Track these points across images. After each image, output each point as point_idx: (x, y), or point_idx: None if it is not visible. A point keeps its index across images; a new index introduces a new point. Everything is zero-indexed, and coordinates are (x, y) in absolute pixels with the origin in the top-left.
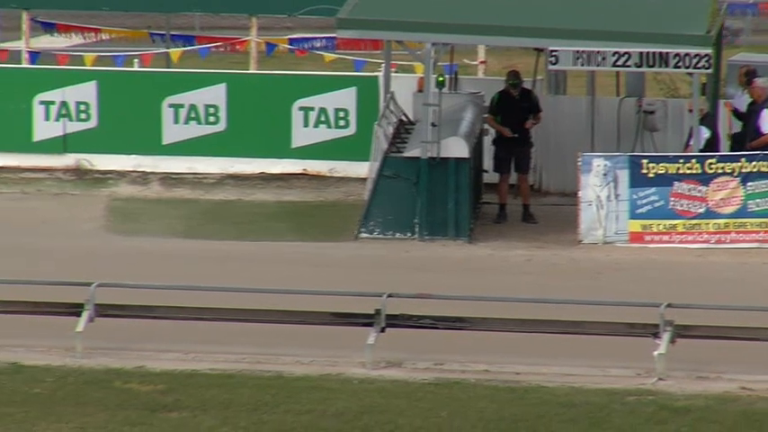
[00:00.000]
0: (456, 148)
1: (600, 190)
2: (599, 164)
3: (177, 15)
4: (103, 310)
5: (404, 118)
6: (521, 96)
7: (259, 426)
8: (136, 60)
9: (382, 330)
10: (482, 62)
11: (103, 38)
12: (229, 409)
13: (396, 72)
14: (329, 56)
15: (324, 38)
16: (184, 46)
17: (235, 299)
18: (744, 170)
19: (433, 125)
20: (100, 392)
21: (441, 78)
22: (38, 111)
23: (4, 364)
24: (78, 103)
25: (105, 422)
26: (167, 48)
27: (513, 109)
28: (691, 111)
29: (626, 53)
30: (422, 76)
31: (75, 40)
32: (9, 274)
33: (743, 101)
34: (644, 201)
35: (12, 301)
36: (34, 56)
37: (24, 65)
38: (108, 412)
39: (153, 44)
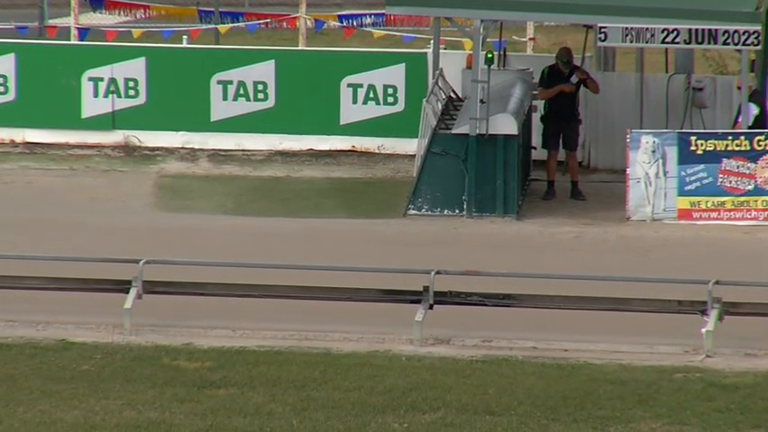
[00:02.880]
0: (504, 124)
1: (648, 167)
2: (647, 141)
3: None
4: (151, 287)
5: (452, 95)
6: (570, 73)
7: (307, 402)
8: (184, 37)
9: (430, 307)
10: (531, 39)
11: (151, 15)
12: (277, 386)
13: (444, 48)
14: (378, 32)
15: (373, 14)
16: (233, 22)
17: (283, 276)
18: None
19: (482, 102)
20: (148, 369)
21: (489, 55)
22: (86, 87)
23: (52, 341)
24: (127, 80)
25: (153, 399)
26: (216, 24)
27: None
28: (739, 88)
29: (675, 30)
30: (470, 52)
31: (123, 16)
32: (58, 251)
33: None
34: (692, 178)
35: (60, 277)
36: (83, 32)
37: (73, 41)
38: (156, 389)
39: (201, 21)
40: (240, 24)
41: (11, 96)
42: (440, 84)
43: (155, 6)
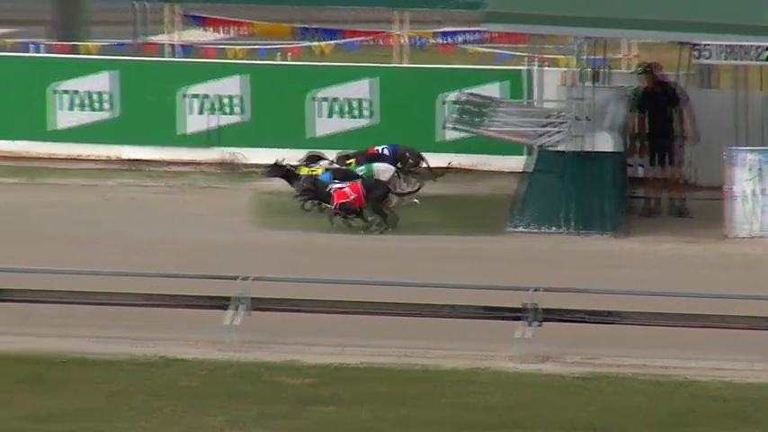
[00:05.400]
0: (605, 141)
1: (749, 184)
2: (747, 158)
3: (324, 8)
4: (255, 304)
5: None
6: (663, 91)
7: (407, 420)
8: (279, 54)
9: (531, 324)
10: (627, 55)
11: (250, 32)
12: (378, 403)
13: (545, 65)
14: (476, 49)
15: (472, 31)
16: (330, 39)
17: (384, 292)
18: None
19: (582, 119)
20: (250, 386)
21: (592, 71)
22: (186, 104)
23: (154, 358)
24: (225, 97)
25: (255, 416)
26: (318, 41)
27: (656, 103)
28: None
29: None
30: (566, 69)
31: (222, 33)
32: (157, 268)
33: None
34: None
35: (163, 294)
36: (185, 49)
37: (174, 58)
38: (258, 406)
39: (298, 38)
40: (342, 42)
41: (112, 113)
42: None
43: (257, 23)
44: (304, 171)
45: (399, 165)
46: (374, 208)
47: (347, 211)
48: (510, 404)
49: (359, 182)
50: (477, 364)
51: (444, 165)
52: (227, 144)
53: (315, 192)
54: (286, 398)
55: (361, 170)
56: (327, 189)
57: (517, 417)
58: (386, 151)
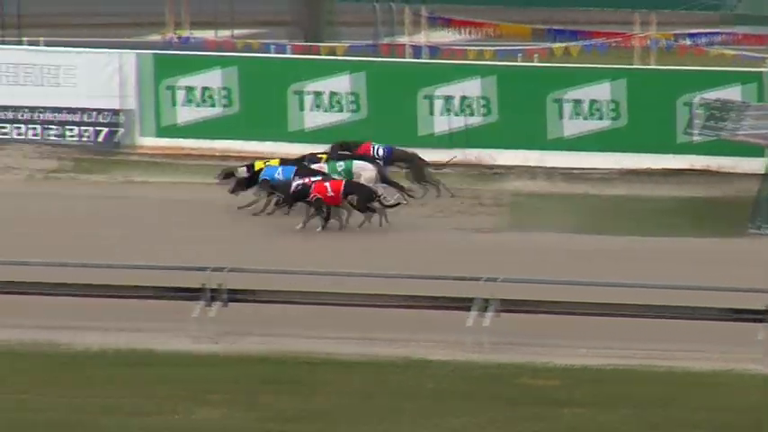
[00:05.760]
0: None
1: None
2: None
3: (564, 10)
4: (504, 306)
5: None
6: None
7: (658, 422)
8: (521, 55)
9: None
10: None
11: (496, 33)
12: (626, 406)
13: None
14: (720, 51)
15: (715, 33)
16: (574, 41)
17: (626, 294)
18: None
19: None
20: (494, 387)
21: None
22: (429, 105)
23: (398, 359)
24: (470, 98)
25: (501, 418)
26: (563, 42)
27: None
28: None
29: None
30: None
31: (467, 35)
32: (400, 269)
33: None
34: None
35: (408, 295)
36: (431, 50)
37: (417, 59)
38: (504, 408)
39: (544, 39)
40: (581, 43)
41: (357, 114)
42: None
43: (503, 25)
44: (259, 165)
45: (407, 168)
46: (361, 209)
47: (321, 205)
48: (753, 405)
49: (342, 182)
50: (721, 366)
51: (686, 166)
52: (474, 145)
53: (278, 190)
54: (532, 400)
55: (340, 166)
56: (297, 184)
57: (759, 418)
58: (380, 151)
